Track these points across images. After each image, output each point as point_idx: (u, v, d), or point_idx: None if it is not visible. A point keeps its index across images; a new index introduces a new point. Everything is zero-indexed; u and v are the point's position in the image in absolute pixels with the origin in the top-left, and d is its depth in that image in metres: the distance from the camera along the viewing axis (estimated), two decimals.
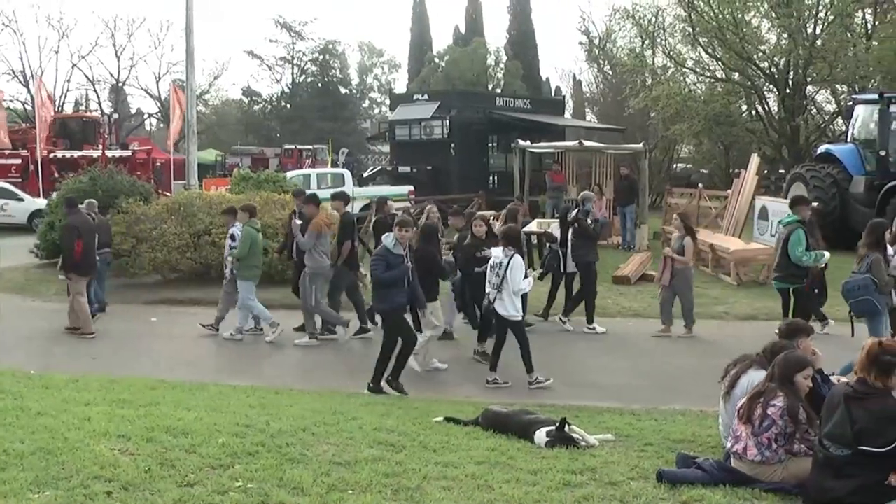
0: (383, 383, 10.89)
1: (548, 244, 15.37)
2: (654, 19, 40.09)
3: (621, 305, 16.69)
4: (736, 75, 38.04)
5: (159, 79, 65.80)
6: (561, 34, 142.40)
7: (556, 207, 24.09)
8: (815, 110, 40.90)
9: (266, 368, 12.79)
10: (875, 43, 34.79)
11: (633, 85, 40.86)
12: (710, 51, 37.89)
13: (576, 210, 15.27)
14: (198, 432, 7.27)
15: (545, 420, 7.94)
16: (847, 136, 26.41)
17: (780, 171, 37.84)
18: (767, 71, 37.25)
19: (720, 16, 35.09)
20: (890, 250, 11.09)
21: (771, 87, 38.43)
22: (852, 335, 10.95)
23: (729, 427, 7.10)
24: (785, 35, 36.29)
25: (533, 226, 20.18)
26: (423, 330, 11.76)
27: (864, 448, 5.88)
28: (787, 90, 37.03)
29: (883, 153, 23.65)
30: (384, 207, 15.39)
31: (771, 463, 6.52)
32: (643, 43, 41.66)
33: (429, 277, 11.76)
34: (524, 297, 11.69)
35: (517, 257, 11.28)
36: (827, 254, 12.20)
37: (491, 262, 11.43)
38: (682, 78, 39.96)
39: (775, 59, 37.07)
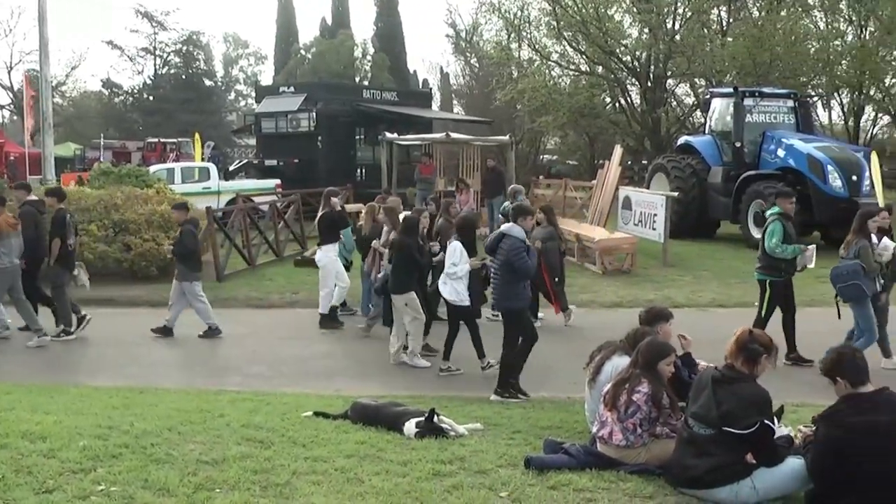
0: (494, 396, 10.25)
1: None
2: (519, 13, 40.58)
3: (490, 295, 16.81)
4: (599, 69, 38.84)
5: (11, 68, 63.38)
6: (428, 27, 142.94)
7: (424, 200, 24.16)
8: (675, 103, 42.09)
9: (130, 367, 12.42)
10: (730, 39, 35.98)
11: (499, 78, 41.24)
12: (574, 44, 38.58)
13: (507, 202, 15.53)
14: (57, 436, 7.02)
15: (414, 411, 7.93)
16: (705, 128, 27.29)
17: (643, 161, 38.88)
18: (630, 65, 38.16)
19: (584, 10, 35.74)
20: (875, 238, 11.36)
21: (633, 80, 39.37)
22: (839, 318, 11.36)
23: (595, 412, 7.23)
24: (646, 30, 37.26)
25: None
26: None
27: (727, 429, 6.08)
28: (649, 83, 38.01)
29: (738, 144, 24.50)
30: (330, 202, 14.74)
31: (635, 446, 6.69)
32: (509, 36, 42.12)
33: (404, 268, 11.73)
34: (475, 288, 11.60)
35: (455, 243, 11.33)
36: (812, 248, 11.95)
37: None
38: (547, 71, 40.57)
39: (637, 53, 38.03)
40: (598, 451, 6.82)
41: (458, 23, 50.65)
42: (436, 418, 7.64)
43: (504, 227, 10.59)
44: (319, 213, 14.78)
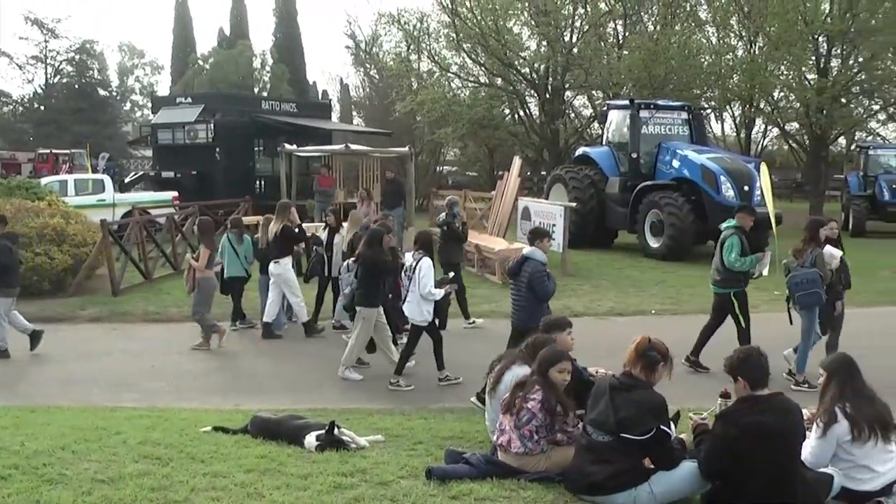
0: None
1: (314, 248, 15.16)
2: (419, 25, 40.78)
3: None
4: (499, 80, 39.22)
5: None
6: (328, 38, 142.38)
7: (323, 211, 24.00)
8: (573, 115, 42.70)
9: (22, 386, 12.06)
10: (626, 52, 36.69)
11: (399, 89, 41.32)
12: (473, 56, 38.89)
13: (443, 214, 15.74)
14: None
15: (315, 424, 7.87)
16: (603, 140, 27.78)
17: (542, 172, 39.35)
18: (528, 76, 38.61)
19: (483, 23, 36.05)
20: (828, 247, 11.67)
21: (532, 92, 39.84)
22: (790, 323, 11.69)
23: (495, 422, 7.28)
24: (544, 43, 37.77)
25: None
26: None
27: (625, 435, 6.19)
28: (547, 95, 38.50)
29: (634, 155, 25.01)
30: (289, 214, 14.71)
31: (534, 453, 6.75)
32: (409, 48, 42.29)
33: (371, 282, 11.66)
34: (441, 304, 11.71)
35: (426, 260, 11.33)
36: (767, 255, 12.25)
37: (405, 265, 11.60)
38: (446, 82, 40.82)
39: (535, 65, 38.52)
40: (499, 460, 6.86)
41: (358, 34, 50.55)
42: (336, 431, 7.60)
43: (526, 251, 10.85)
44: (278, 226, 14.50)
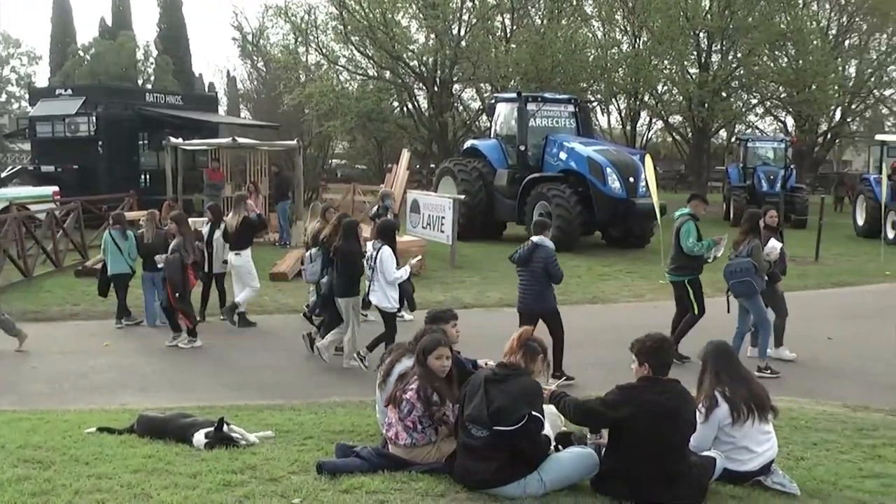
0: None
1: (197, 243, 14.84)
2: (306, 17, 40.40)
3: (280, 302, 16.68)
4: (387, 73, 39.21)
5: None
6: (214, 30, 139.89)
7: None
8: (461, 107, 42.90)
9: None
10: (514, 46, 37.05)
11: (287, 82, 40.94)
12: (361, 49, 38.77)
13: (376, 207, 15.68)
14: None
15: (203, 422, 7.75)
16: (491, 133, 27.94)
17: (431, 165, 39.42)
18: (417, 69, 38.66)
19: (371, 15, 35.96)
20: (776, 244, 12.23)
21: (420, 85, 39.92)
22: (727, 311, 12.08)
23: (386, 414, 7.27)
24: (433, 36, 37.88)
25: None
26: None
27: (499, 428, 6.20)
28: (436, 88, 38.62)
29: (522, 148, 25.25)
30: (246, 206, 14.98)
31: (422, 445, 6.77)
32: (296, 40, 41.86)
33: (349, 273, 11.88)
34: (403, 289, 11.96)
35: (386, 248, 11.64)
36: (724, 239, 12.50)
37: (367, 255, 11.87)
38: (335, 75, 40.58)
39: (424, 58, 38.59)
40: (389, 453, 6.85)
41: (245, 26, 49.79)
42: (225, 427, 7.49)
43: (535, 239, 11.38)
44: (238, 219, 14.69)
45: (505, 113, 27.01)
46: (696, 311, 12.33)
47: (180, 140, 26.52)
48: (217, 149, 28.19)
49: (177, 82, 52.47)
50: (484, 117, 37.57)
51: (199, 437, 7.46)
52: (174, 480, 6.43)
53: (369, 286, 11.81)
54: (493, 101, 29.33)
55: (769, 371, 11.65)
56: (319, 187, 30.17)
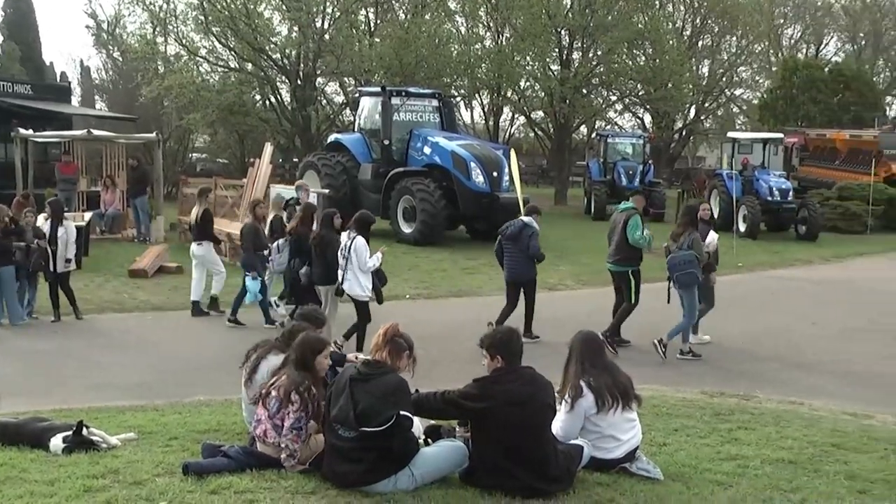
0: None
1: (35, 240, 14.16)
2: (165, 6, 39.27)
3: (139, 300, 16.23)
4: (249, 66, 38.50)
5: None
6: (66, 16, 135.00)
7: (68, 200, 22.78)
8: (325, 101, 42.52)
9: None
10: (378, 40, 36.94)
11: (145, 73, 39.79)
12: (223, 40, 37.95)
13: (290, 199, 15.92)
14: None
15: (60, 426, 7.44)
16: (355, 127, 27.84)
17: (294, 159, 38.99)
18: (279, 62, 38.12)
19: (232, 6, 35.28)
20: (713, 235, 13.20)
21: (283, 77, 39.37)
22: (668, 302, 12.77)
23: (252, 412, 7.13)
24: (296, 28, 37.39)
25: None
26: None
27: (366, 429, 6.16)
28: (299, 81, 38.16)
29: (387, 142, 25.23)
30: (207, 198, 15.65)
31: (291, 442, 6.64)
32: (154, 29, 40.65)
33: (328, 261, 12.38)
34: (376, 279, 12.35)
35: (360, 238, 12.02)
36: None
37: (341, 244, 12.20)
38: (195, 67, 39.59)
39: (287, 50, 38.05)
40: (258, 451, 6.73)
41: (100, 13, 48.31)
42: (85, 431, 7.22)
43: (525, 218, 13.32)
44: (200, 210, 15.10)
45: (369, 107, 26.92)
46: (633, 301, 13.09)
47: (31, 131, 25.46)
48: (70, 141, 27.21)
49: (25, 70, 50.42)
50: (348, 111, 37.29)
51: (57, 442, 7.17)
52: (29, 489, 6.16)
53: (342, 275, 12.09)
54: (356, 95, 29.19)
55: (691, 354, 12.60)
56: (179, 181, 29.35)
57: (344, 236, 12.31)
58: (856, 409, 10.11)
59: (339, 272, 12.15)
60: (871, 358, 13.03)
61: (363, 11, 39.27)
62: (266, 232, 14.46)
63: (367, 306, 12.26)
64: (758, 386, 11.05)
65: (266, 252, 13.97)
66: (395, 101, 25.84)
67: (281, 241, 13.42)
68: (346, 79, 39.85)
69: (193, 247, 15.15)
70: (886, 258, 25.49)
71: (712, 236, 13.22)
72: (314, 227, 13.34)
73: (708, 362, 12.44)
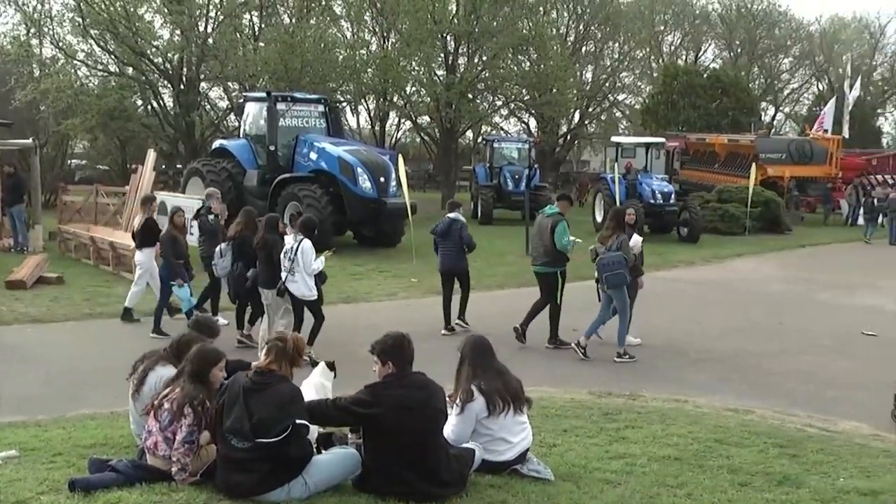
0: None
1: None
2: (40, 7, 38.17)
3: (18, 311, 15.71)
4: (130, 70, 37.67)
5: None
6: None
7: None
8: (209, 106, 41.94)
9: None
10: (262, 44, 36.55)
11: (19, 76, 38.59)
12: (102, 44, 37.05)
13: (200, 206, 15.69)
14: None
15: None
16: (240, 132, 27.50)
17: (178, 166, 38.33)
18: (161, 66, 37.42)
19: (111, 8, 34.47)
20: (637, 238, 13.55)
21: (165, 82, 38.66)
22: (598, 300, 13.27)
23: (141, 425, 7.00)
24: (178, 32, 36.74)
25: None
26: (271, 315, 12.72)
27: (262, 440, 6.12)
28: (182, 86, 37.53)
29: (272, 148, 25.00)
30: (150, 207, 15.37)
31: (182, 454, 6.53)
32: (29, 31, 39.42)
33: (273, 265, 12.46)
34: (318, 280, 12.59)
35: (306, 241, 12.23)
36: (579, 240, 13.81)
37: (284, 248, 12.35)
38: (73, 70, 38.56)
39: (169, 55, 37.34)
40: (148, 464, 6.60)
41: None
42: None
43: (452, 215, 14.60)
44: (143, 219, 15.00)
45: (254, 112, 26.64)
46: (557, 301, 13.51)
47: None
48: None
49: None
50: (233, 117, 36.86)
51: None
52: None
53: (286, 277, 12.24)
54: (241, 100, 28.88)
55: (627, 356, 12.85)
56: (58, 189, 28.54)
57: (290, 239, 12.49)
58: (737, 404, 10.44)
59: (283, 273, 12.28)
60: (750, 355, 13.46)
61: (247, 15, 38.86)
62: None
63: (317, 304, 12.58)
64: (644, 385, 11.29)
65: (182, 261, 14.00)
66: (281, 106, 25.63)
67: (223, 245, 13.58)
68: (230, 84, 39.38)
69: (137, 254, 15.09)
70: (763, 259, 26.32)
71: (636, 239, 13.61)
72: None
73: (596, 363, 12.66)
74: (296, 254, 12.17)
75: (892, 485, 7.35)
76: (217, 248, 13.73)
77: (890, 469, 7.89)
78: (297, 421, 6.17)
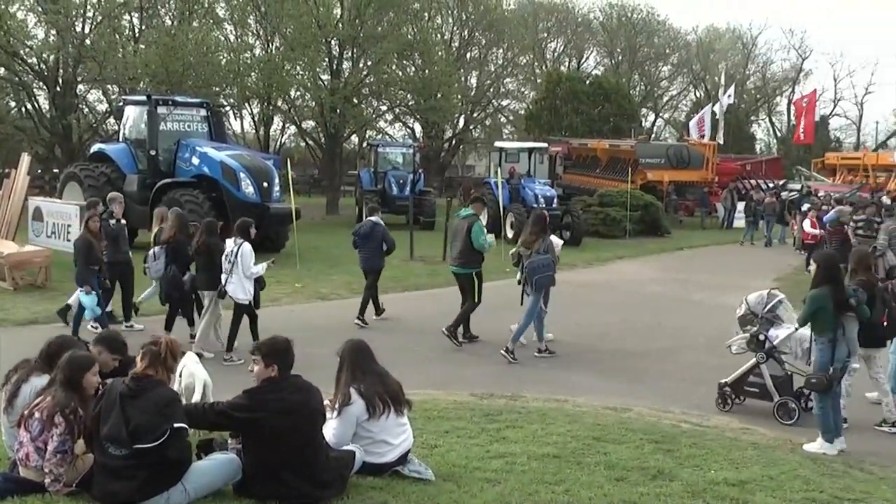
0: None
1: None
2: None
3: None
4: (1, 70, 36.49)
5: None
6: None
7: None
8: (87, 109, 40.95)
9: None
10: (143, 46, 35.82)
11: None
12: None
13: (102, 211, 15.16)
14: None
15: None
16: (119, 136, 26.89)
17: (54, 170, 37.29)
18: (36, 67, 36.34)
19: None
20: (558, 240, 14.04)
21: (40, 84, 37.58)
22: (521, 304, 13.33)
23: (14, 436, 6.79)
24: (53, 32, 35.71)
25: None
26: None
27: (139, 446, 6.03)
28: (58, 88, 36.54)
29: (153, 153, 24.51)
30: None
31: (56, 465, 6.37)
32: None
33: (213, 267, 12.83)
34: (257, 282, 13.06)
35: (246, 245, 12.62)
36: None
37: (225, 251, 12.71)
38: None
39: (44, 55, 36.26)
40: (20, 477, 6.45)
41: None
42: None
43: (373, 219, 15.78)
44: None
45: (134, 116, 26.08)
46: (476, 300, 14.04)
47: None
48: None
49: None
50: (112, 120, 36.04)
51: None
52: None
53: (226, 279, 12.59)
54: (121, 103, 28.21)
55: (548, 352, 13.45)
56: None
57: (230, 243, 12.80)
58: (616, 403, 10.69)
59: (223, 276, 12.61)
60: (630, 355, 13.80)
61: (127, 16, 38.06)
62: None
63: (250, 307, 12.88)
64: (526, 386, 11.46)
65: (96, 267, 13.73)
66: (162, 110, 25.17)
67: (157, 248, 13.81)
68: (109, 86, 38.46)
69: None
70: (643, 261, 26.95)
71: (557, 241, 14.12)
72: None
73: (480, 365, 12.79)
74: (236, 257, 12.52)
75: (758, 475, 7.71)
76: (151, 251, 13.99)
77: (757, 460, 8.25)
78: (176, 424, 6.11)
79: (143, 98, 25.90)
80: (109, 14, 35.24)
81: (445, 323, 13.89)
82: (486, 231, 14.06)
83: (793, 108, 62.38)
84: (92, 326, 13.55)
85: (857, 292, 9.37)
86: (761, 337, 10.63)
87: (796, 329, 10.29)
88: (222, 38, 41.19)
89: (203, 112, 26.57)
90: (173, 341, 6.61)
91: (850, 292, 9.28)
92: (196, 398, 7.44)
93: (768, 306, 10.74)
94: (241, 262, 12.54)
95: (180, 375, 7.71)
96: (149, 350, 6.42)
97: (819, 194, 34.37)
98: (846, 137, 77.11)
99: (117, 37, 36.34)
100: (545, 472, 7.42)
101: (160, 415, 6.09)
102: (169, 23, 39.32)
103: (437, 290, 19.10)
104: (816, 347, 9.18)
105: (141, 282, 15.00)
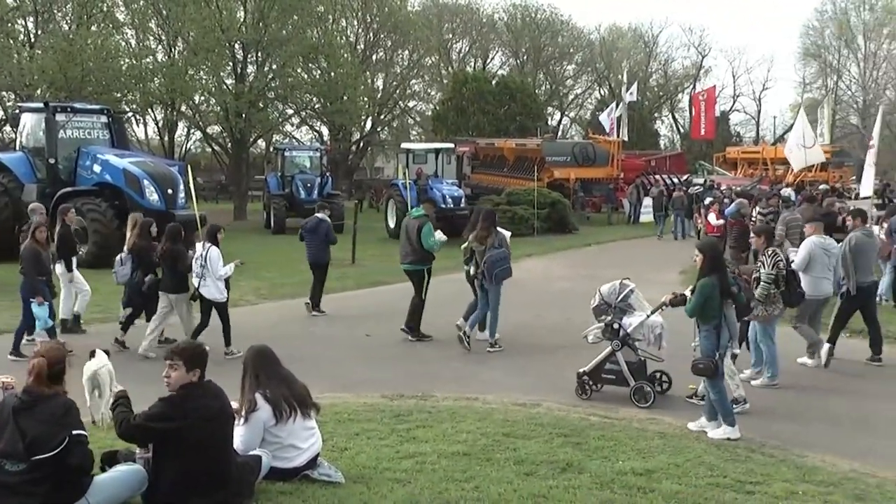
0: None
1: None
2: None
3: None
4: None
5: None
6: None
7: None
8: None
9: None
10: (39, 52, 35.03)
11: None
12: None
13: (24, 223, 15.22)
14: None
15: None
16: (16, 145, 26.26)
17: None
18: None
19: None
20: (506, 232, 14.41)
21: None
22: (475, 296, 14.11)
23: None
24: None
25: None
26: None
27: (37, 457, 5.88)
28: None
29: (52, 161, 24.01)
30: (66, 218, 15.28)
31: None
32: None
33: (178, 271, 13.15)
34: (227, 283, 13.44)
35: (214, 248, 13.09)
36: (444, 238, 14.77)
37: (196, 254, 13.12)
38: None
39: None
40: None
41: None
42: None
43: (319, 215, 16.93)
44: (57, 229, 14.93)
45: (31, 124, 25.47)
46: (422, 296, 14.51)
47: None
48: None
49: None
50: (8, 128, 35.14)
51: None
52: None
53: (199, 282, 12.99)
54: (17, 111, 27.57)
55: (499, 346, 13.78)
56: None
57: (199, 247, 13.23)
58: (526, 399, 10.74)
59: (196, 279, 13.02)
60: (539, 351, 13.91)
61: (21, 21, 37.16)
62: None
63: (225, 306, 13.35)
64: (436, 386, 11.44)
65: (44, 278, 13.34)
66: (60, 117, 24.67)
67: (124, 254, 14.02)
68: (4, 93, 37.50)
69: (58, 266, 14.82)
70: (551, 258, 27.22)
71: (506, 233, 14.39)
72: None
73: (390, 367, 12.75)
74: (206, 260, 12.94)
75: (665, 463, 7.87)
76: (117, 257, 14.18)
77: (664, 449, 8.41)
78: (74, 432, 5.98)
79: (41, 105, 25.37)
80: (1, 18, 34.37)
81: (359, 326, 13.86)
82: (434, 232, 14.46)
83: (693, 103, 63.82)
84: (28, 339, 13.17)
85: (736, 279, 9.74)
86: (615, 325, 10.94)
87: (647, 316, 10.74)
88: (123, 43, 40.55)
89: (104, 119, 26.12)
90: (43, 359, 6.33)
91: (731, 280, 9.60)
92: (105, 391, 7.14)
93: (621, 296, 11.04)
94: (211, 266, 12.98)
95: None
96: (35, 364, 6.22)
97: (721, 188, 35.17)
98: (746, 132, 79.21)
99: (11, 42, 35.49)
100: (455, 470, 7.47)
101: (57, 424, 5.95)
102: (66, 27, 38.52)
103: (347, 294, 19.08)
104: (702, 334, 9.37)
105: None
